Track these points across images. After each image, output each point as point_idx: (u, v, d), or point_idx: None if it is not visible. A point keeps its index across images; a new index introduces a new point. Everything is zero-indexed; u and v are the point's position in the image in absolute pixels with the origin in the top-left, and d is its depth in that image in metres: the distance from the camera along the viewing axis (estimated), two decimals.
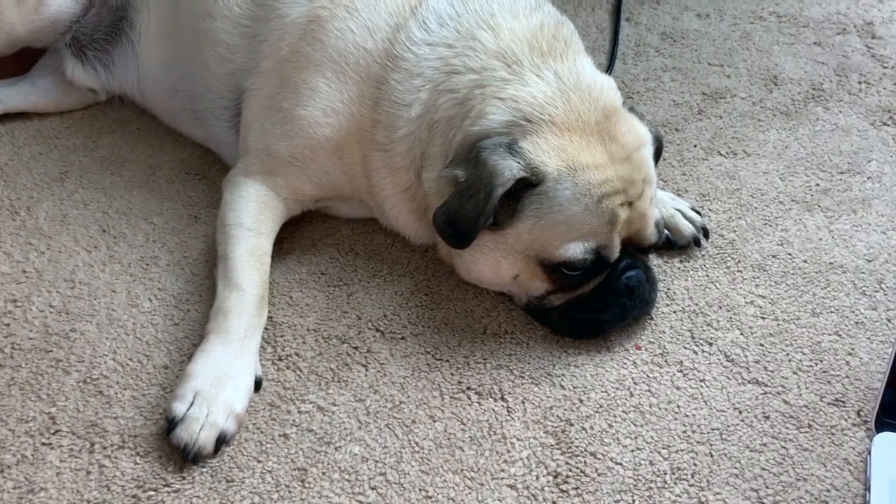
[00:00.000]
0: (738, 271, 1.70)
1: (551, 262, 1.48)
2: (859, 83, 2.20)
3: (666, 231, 1.71)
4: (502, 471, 1.37)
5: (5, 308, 1.64)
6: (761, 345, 1.56)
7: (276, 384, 1.51)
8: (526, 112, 1.46)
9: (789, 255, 1.74)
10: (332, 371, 1.53)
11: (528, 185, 1.43)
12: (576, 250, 1.45)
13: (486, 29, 1.55)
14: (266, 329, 1.58)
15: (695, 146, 2.02)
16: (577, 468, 1.36)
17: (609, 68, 2.29)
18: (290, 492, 1.34)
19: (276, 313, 1.63)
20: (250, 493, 1.34)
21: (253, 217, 1.63)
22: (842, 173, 1.93)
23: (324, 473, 1.37)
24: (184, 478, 1.36)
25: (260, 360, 1.53)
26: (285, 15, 1.66)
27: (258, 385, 1.48)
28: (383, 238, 1.79)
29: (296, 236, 1.79)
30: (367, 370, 1.53)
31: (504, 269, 1.53)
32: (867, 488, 1.32)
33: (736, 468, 1.36)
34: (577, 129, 1.46)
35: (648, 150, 1.55)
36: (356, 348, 1.57)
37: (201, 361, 1.44)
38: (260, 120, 1.70)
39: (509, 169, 1.41)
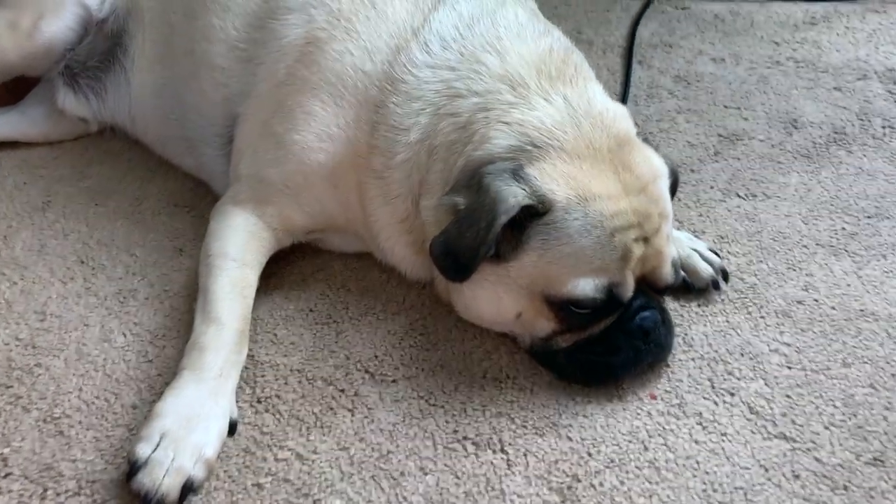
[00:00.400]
0: (761, 317, 1.57)
1: (558, 299, 1.35)
2: (883, 127, 2.10)
3: (682, 273, 1.59)
4: None
5: None
6: (788, 396, 1.42)
7: (252, 428, 1.37)
8: (533, 137, 1.36)
9: (815, 301, 1.60)
10: (315, 415, 1.39)
11: (535, 213, 1.32)
12: (585, 287, 1.33)
13: (491, 52, 1.47)
14: (246, 368, 1.45)
15: (711, 187, 1.91)
16: None
17: None
18: None
19: (257, 351, 1.50)
20: None
21: (238, 247, 1.52)
22: (869, 217, 1.81)
23: None
24: None
25: (237, 401, 1.39)
26: (283, 37, 1.58)
27: (233, 428, 1.35)
28: (378, 274, 1.67)
29: (285, 271, 1.67)
30: (353, 415, 1.39)
31: (506, 305, 1.41)
32: None
33: None
34: (587, 156, 1.36)
35: (665, 184, 1.44)
36: (342, 391, 1.43)
37: (171, 400, 1.31)
38: (252, 146, 1.60)
39: (514, 195, 1.30)
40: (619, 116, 1.46)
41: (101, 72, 1.95)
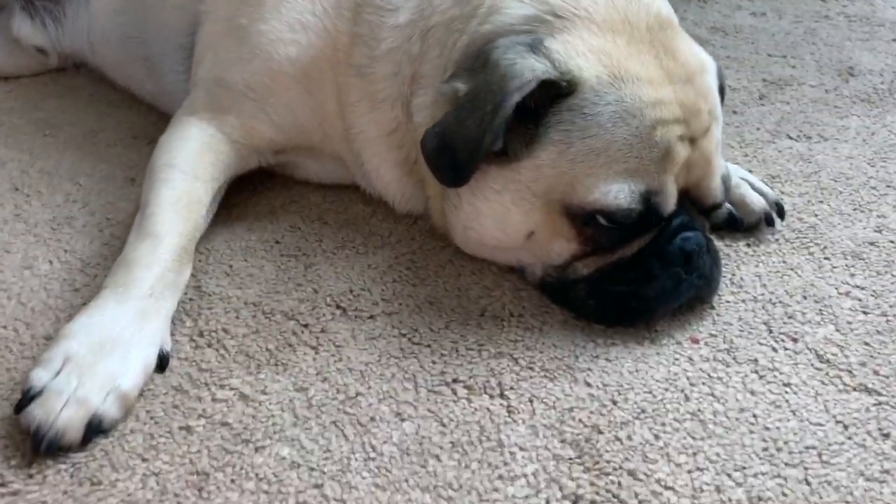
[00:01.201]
0: (826, 258, 1.28)
1: (582, 210, 1.07)
2: None
3: (729, 206, 1.31)
4: (496, 490, 0.92)
5: None
6: (866, 343, 1.12)
7: (189, 364, 1.09)
8: (554, 5, 1.10)
9: (892, 242, 1.31)
10: (268, 352, 1.11)
11: (556, 95, 1.05)
12: (618, 194, 1.04)
13: None
14: (189, 300, 1.18)
15: (758, 129, 1.64)
16: (608, 491, 0.91)
17: None
18: (178, 502, 0.90)
19: (207, 283, 1.23)
20: (120, 501, 0.91)
21: (188, 159, 1.26)
22: None
23: (232, 481, 0.93)
24: (30, 475, 0.93)
25: (173, 335, 1.12)
26: None
27: (163, 363, 1.07)
28: (361, 207, 1.41)
29: (251, 202, 1.41)
30: (316, 353, 1.11)
31: (515, 221, 1.13)
32: None
33: (847, 501, 0.90)
34: (623, 32, 1.09)
35: (713, 81, 1.16)
36: (306, 326, 1.15)
37: (84, 320, 1.04)
38: (213, 46, 1.36)
39: (530, 69, 1.03)
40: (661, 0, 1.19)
41: None
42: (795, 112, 1.70)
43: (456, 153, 1.07)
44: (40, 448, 0.94)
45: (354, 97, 1.27)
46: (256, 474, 0.94)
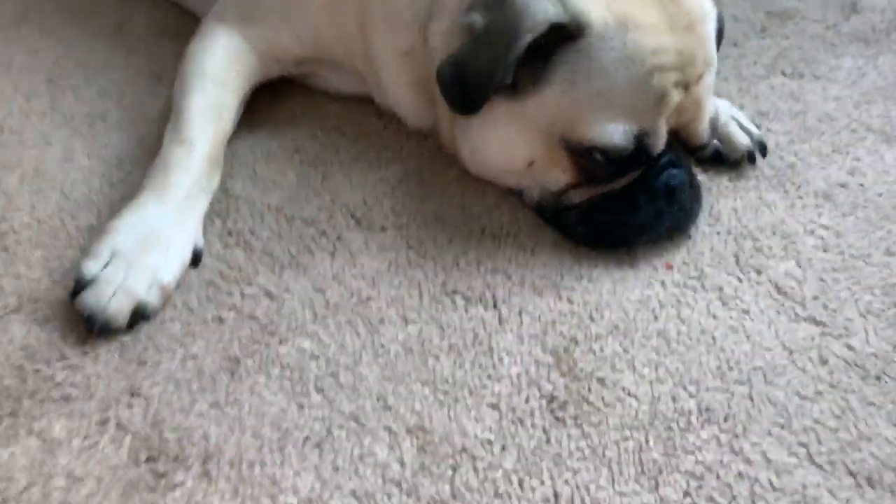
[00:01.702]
0: (799, 197, 1.40)
1: (580, 146, 1.18)
2: None
3: (716, 142, 1.41)
4: (484, 387, 1.08)
5: None
6: (822, 279, 1.26)
7: (219, 262, 1.23)
8: None
9: (861, 185, 1.43)
10: (290, 254, 1.24)
11: (564, 37, 1.13)
12: (614, 133, 1.15)
13: None
14: (218, 201, 1.30)
15: (755, 63, 1.72)
16: (580, 394, 1.07)
17: None
18: (213, 383, 1.06)
19: (233, 186, 1.35)
20: (164, 379, 1.06)
21: (218, 67, 1.35)
22: None
23: (260, 367, 1.09)
24: (85, 353, 1.08)
25: (205, 233, 1.25)
26: None
27: (197, 259, 1.20)
28: (376, 120, 1.50)
29: (272, 107, 1.51)
30: (333, 258, 1.24)
31: (518, 150, 1.24)
32: None
33: (782, 417, 1.07)
34: None
35: (713, 26, 1.25)
36: (324, 233, 1.28)
37: (128, 217, 1.16)
38: None
39: (543, 11, 1.11)
40: None
41: None
42: (793, 48, 1.77)
43: (469, 85, 1.17)
44: (93, 330, 1.08)
45: (375, 18, 1.34)
46: (281, 362, 1.09)
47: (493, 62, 1.13)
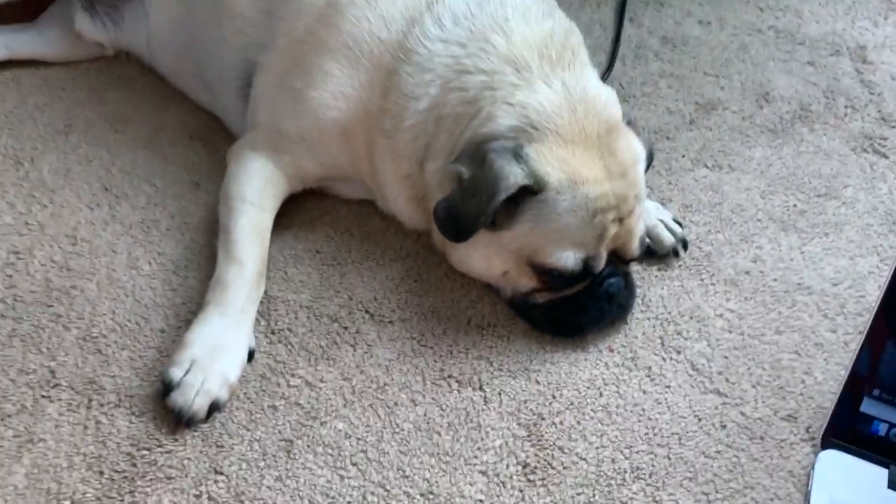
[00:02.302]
0: (712, 284, 1.80)
1: (541, 267, 1.56)
2: (846, 107, 2.29)
3: (647, 239, 1.80)
4: (475, 457, 1.46)
5: (8, 259, 1.69)
6: (726, 357, 1.66)
7: (267, 357, 1.58)
8: (533, 119, 1.53)
9: (761, 272, 1.83)
10: (321, 348, 1.61)
11: (530, 191, 1.50)
12: (567, 260, 1.53)
13: (498, 32, 1.61)
14: (261, 302, 1.65)
15: (683, 156, 2.10)
16: (545, 460, 1.47)
17: (609, 69, 2.34)
18: (275, 461, 1.43)
19: (271, 287, 1.69)
20: (238, 459, 1.43)
21: (256, 192, 1.69)
22: (819, 196, 2.02)
23: (308, 446, 1.46)
24: (176, 440, 1.44)
25: (254, 332, 1.60)
26: None
27: (251, 356, 1.56)
28: (379, 221, 1.86)
29: (294, 212, 1.85)
30: (354, 350, 1.61)
31: (495, 265, 1.62)
32: (807, 501, 1.43)
33: (690, 472, 1.47)
34: (580, 141, 1.53)
35: (642, 167, 1.62)
36: (346, 328, 1.64)
37: (199, 330, 1.51)
38: (270, 96, 1.74)
39: (514, 175, 1.48)
40: (609, 102, 1.62)
41: (118, 0, 2.03)
42: (715, 139, 2.16)
43: (458, 223, 1.53)
44: (181, 423, 1.44)
45: (381, 150, 1.69)
46: (323, 441, 1.46)
47: (478, 210, 1.49)
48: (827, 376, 1.64)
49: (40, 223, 1.77)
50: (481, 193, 1.49)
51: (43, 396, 1.48)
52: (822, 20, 2.62)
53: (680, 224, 1.86)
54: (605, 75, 2.32)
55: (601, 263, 1.57)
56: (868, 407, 1.49)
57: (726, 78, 2.36)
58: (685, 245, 1.84)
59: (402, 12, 1.64)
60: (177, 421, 1.44)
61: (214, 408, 1.47)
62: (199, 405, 1.44)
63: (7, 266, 1.68)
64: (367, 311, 1.68)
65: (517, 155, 1.50)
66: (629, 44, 2.46)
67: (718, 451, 1.51)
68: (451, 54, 1.61)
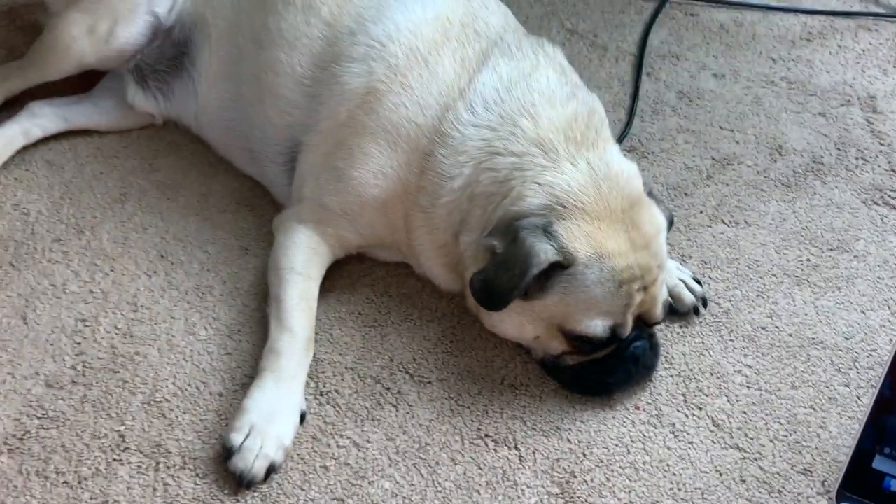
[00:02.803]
0: (731, 340, 1.91)
1: (571, 334, 1.68)
2: (856, 159, 2.39)
3: (669, 297, 1.91)
4: None
5: (76, 327, 1.83)
6: (745, 412, 1.77)
7: (317, 418, 1.71)
8: (561, 198, 1.65)
9: (777, 327, 1.94)
10: (366, 409, 1.73)
11: (560, 266, 1.62)
12: (595, 328, 1.65)
13: (526, 116, 1.73)
14: (310, 365, 1.78)
15: (701, 212, 2.21)
16: None
17: (628, 125, 2.46)
18: None
19: (318, 349, 1.82)
20: None
21: (304, 262, 1.82)
22: (831, 250, 2.13)
23: None
24: (237, 500, 1.57)
25: (304, 394, 1.73)
26: (346, 83, 1.83)
27: (303, 418, 1.69)
28: (415, 282, 1.98)
29: (336, 275, 1.98)
30: (397, 410, 1.73)
31: (527, 330, 1.74)
32: None
33: None
34: (605, 217, 1.66)
35: (663, 237, 1.74)
36: (388, 389, 1.77)
37: (256, 396, 1.64)
38: (315, 174, 1.88)
39: (545, 252, 1.60)
40: (631, 176, 1.74)
41: (169, 77, 2.18)
42: (731, 195, 2.27)
43: (493, 295, 1.66)
44: (242, 485, 1.57)
45: (418, 223, 1.83)
46: (371, 500, 1.59)
47: (511, 284, 1.62)
48: (841, 430, 1.75)
49: (103, 291, 1.91)
50: (514, 269, 1.62)
51: (115, 460, 1.62)
52: (833, 70, 2.72)
53: (699, 282, 1.98)
54: (625, 131, 2.44)
55: (628, 329, 1.69)
56: (880, 464, 1.59)
57: (741, 132, 2.47)
58: (705, 303, 1.95)
59: (436, 98, 1.77)
60: (238, 483, 1.57)
61: (272, 470, 1.60)
62: (259, 468, 1.57)
63: (75, 333, 1.82)
64: (407, 372, 1.80)
65: (547, 232, 1.62)
66: (647, 99, 2.57)
67: None
68: (483, 137, 1.74)
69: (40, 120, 2.21)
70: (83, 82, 2.32)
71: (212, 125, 2.15)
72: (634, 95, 2.57)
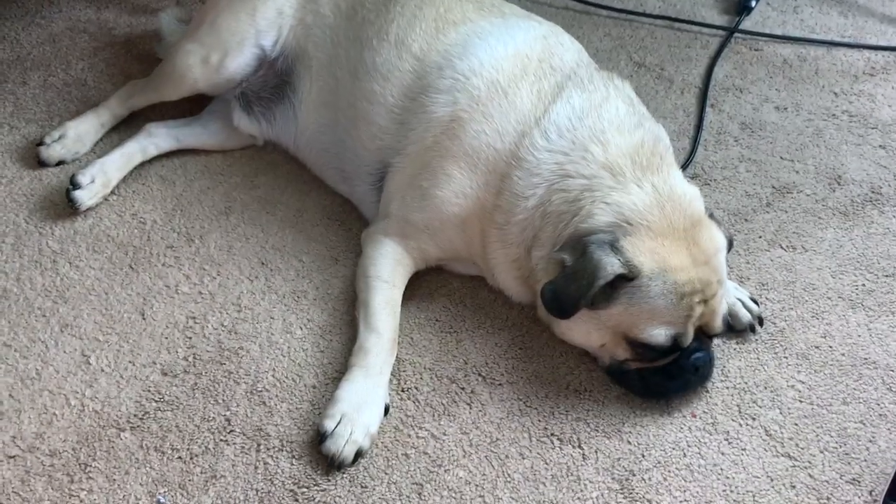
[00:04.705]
0: (785, 357, 2.03)
1: (635, 341, 1.83)
2: None
3: (728, 317, 2.05)
4: None
5: (187, 323, 2.06)
6: (796, 424, 1.89)
7: (399, 411, 1.90)
8: (627, 216, 1.81)
9: (830, 347, 2.05)
10: (443, 405, 1.91)
11: (625, 278, 1.78)
12: (658, 336, 1.80)
13: (597, 143, 1.91)
14: (394, 363, 1.97)
15: (760, 237, 2.34)
16: None
17: (692, 154, 2.60)
18: (409, 501, 1.74)
19: (400, 351, 2.01)
20: (379, 498, 1.74)
21: (389, 272, 2.02)
22: (887, 276, 2.23)
23: (436, 490, 1.75)
24: (329, 480, 1.76)
25: (389, 389, 1.92)
26: (433, 112, 2.03)
27: (387, 411, 1.87)
28: (487, 294, 2.16)
29: (416, 286, 2.17)
30: (470, 408, 1.91)
31: (594, 338, 1.90)
32: None
33: None
34: (668, 234, 1.81)
35: (723, 255, 1.89)
36: (462, 389, 1.95)
37: (347, 388, 1.84)
38: (401, 193, 2.08)
39: (611, 265, 1.76)
40: (693, 198, 1.90)
41: (272, 103, 2.42)
42: (790, 221, 2.39)
43: (562, 304, 1.82)
44: (333, 466, 1.76)
45: (493, 239, 2.01)
46: (448, 486, 1.76)
47: (579, 294, 1.78)
48: (890, 445, 1.85)
49: (211, 292, 2.14)
50: (582, 279, 1.78)
51: (222, 440, 1.83)
52: (895, 104, 2.81)
53: (756, 302, 2.10)
54: (689, 159, 2.58)
55: (689, 340, 1.83)
56: None
57: (801, 162, 2.59)
58: (761, 321, 2.07)
59: (514, 126, 1.96)
60: (329, 465, 1.77)
61: (359, 454, 1.78)
62: (348, 452, 1.76)
63: (186, 329, 2.05)
64: (480, 374, 1.98)
65: (614, 247, 1.78)
66: (710, 129, 2.71)
67: None
68: (556, 161, 1.91)
69: (156, 139, 2.48)
70: (195, 106, 2.60)
71: (309, 147, 2.38)
72: (699, 126, 2.71)
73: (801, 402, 1.93)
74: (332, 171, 2.35)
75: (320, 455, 1.78)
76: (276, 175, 2.50)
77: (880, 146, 2.65)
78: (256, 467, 1.78)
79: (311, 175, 2.47)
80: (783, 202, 2.46)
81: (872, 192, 2.48)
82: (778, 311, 2.14)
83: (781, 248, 2.31)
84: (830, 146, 2.65)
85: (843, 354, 2.04)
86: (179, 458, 1.79)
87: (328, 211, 2.39)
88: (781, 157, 2.61)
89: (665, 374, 1.87)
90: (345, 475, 1.77)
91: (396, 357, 1.99)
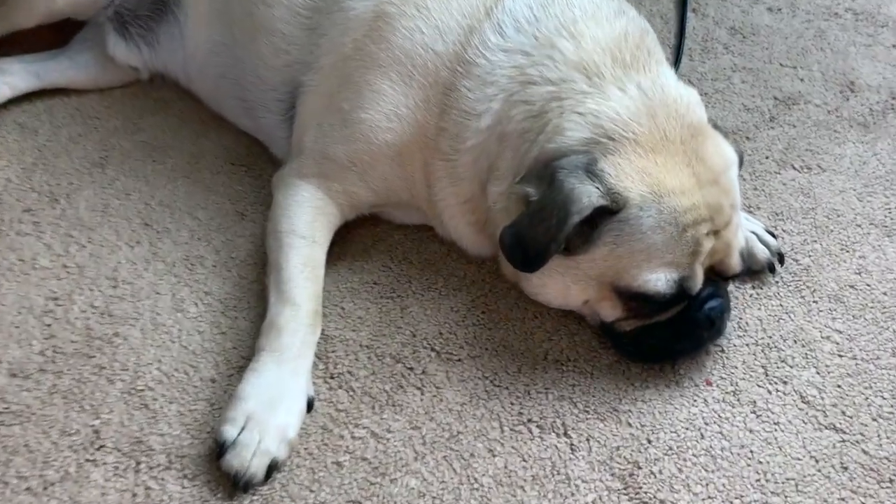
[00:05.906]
0: (814, 302, 1.62)
1: (628, 291, 1.39)
2: None
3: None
4: None
5: (46, 307, 1.57)
6: (839, 386, 1.48)
7: (328, 405, 1.44)
8: (607, 129, 1.37)
9: (868, 285, 1.64)
10: (386, 393, 1.46)
11: (608, 211, 1.34)
12: (657, 282, 1.36)
13: (566, 37, 1.45)
14: (318, 343, 1.51)
15: (767, 157, 1.92)
16: None
17: (676, 64, 2.16)
18: None
19: (327, 325, 1.55)
20: None
21: (307, 224, 1.55)
22: None
23: None
24: None
25: (312, 378, 1.46)
26: (349, 9, 1.55)
27: (310, 405, 1.42)
28: (438, 247, 1.71)
29: (346, 240, 1.70)
30: (422, 394, 1.46)
31: (574, 294, 1.45)
32: None
33: None
34: (662, 149, 1.37)
35: (735, 172, 1.45)
36: (411, 369, 1.49)
37: (253, 381, 1.37)
38: (317, 120, 1.60)
39: (587, 195, 1.31)
40: (692, 104, 1.45)
41: (153, 22, 1.92)
42: (800, 137, 1.97)
43: (527, 251, 1.37)
44: (238, 486, 1.30)
45: (439, 174, 1.54)
46: (395, 502, 1.32)
47: (548, 237, 1.33)
48: None
49: (79, 265, 1.65)
50: (551, 218, 1.33)
51: (87, 460, 1.35)
52: None
53: (774, 235, 1.68)
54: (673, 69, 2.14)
55: (698, 283, 1.40)
56: None
57: (805, 68, 2.17)
58: (781, 259, 1.65)
59: (458, 21, 1.48)
60: (233, 484, 1.31)
61: (273, 468, 1.33)
62: (257, 466, 1.30)
63: (45, 314, 1.56)
64: (432, 349, 1.53)
65: (590, 171, 1.34)
66: (695, 37, 2.27)
67: (842, 499, 1.33)
68: (515, 64, 1.45)
69: (9, 77, 1.96)
70: (58, 37, 2.07)
71: (202, 74, 1.89)
72: (680, 33, 2.27)
73: (840, 356, 1.52)
74: (232, 102, 1.86)
75: (221, 472, 1.32)
76: (165, 115, 2.00)
77: (894, 46, 2.23)
78: (134, 494, 1.31)
79: (209, 113, 1.98)
80: (789, 115, 2.03)
81: (893, 97, 2.07)
82: (799, 244, 1.72)
83: (794, 168, 1.89)
84: (836, 49, 2.23)
85: (884, 293, 1.63)
86: (28, 489, 1.31)
87: (231, 154, 1.90)
88: (781, 64, 2.18)
89: (670, 332, 1.44)
90: (255, 497, 1.31)
91: (322, 334, 1.52)
